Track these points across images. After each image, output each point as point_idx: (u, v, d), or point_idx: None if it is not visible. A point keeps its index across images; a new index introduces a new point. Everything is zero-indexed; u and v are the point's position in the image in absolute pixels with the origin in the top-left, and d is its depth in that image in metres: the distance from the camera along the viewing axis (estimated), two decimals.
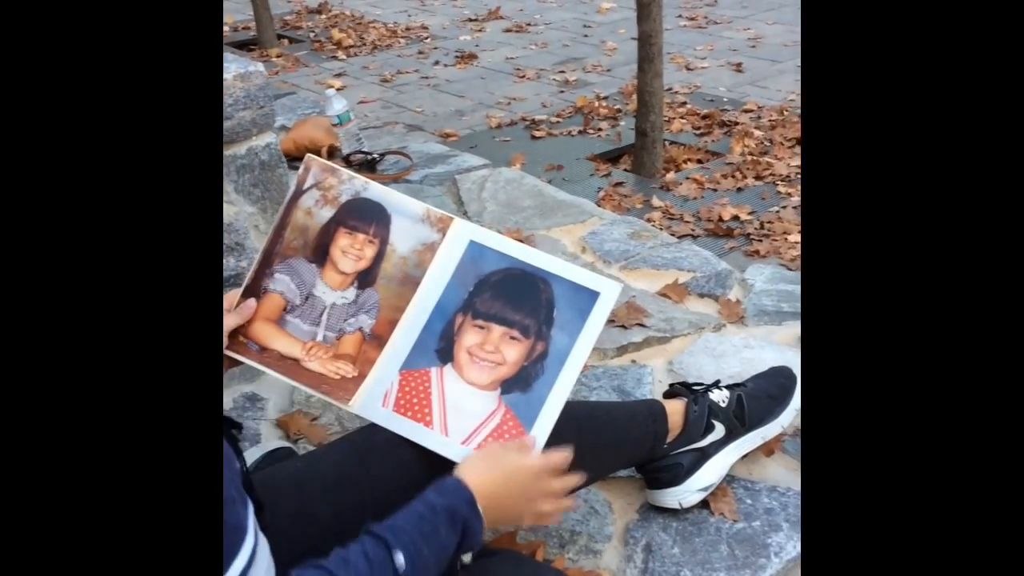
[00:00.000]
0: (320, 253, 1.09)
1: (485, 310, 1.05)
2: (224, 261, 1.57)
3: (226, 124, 1.53)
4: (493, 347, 1.04)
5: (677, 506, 1.29)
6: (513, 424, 1.00)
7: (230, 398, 1.63)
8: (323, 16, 6.30)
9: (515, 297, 1.05)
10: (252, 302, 1.07)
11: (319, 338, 1.07)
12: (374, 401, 1.04)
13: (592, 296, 1.03)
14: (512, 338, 1.04)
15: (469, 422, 1.01)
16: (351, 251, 1.09)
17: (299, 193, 1.10)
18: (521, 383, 1.02)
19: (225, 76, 1.52)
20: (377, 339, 1.07)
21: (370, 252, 1.09)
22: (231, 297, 1.09)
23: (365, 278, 1.09)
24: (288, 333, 1.07)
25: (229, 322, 1.05)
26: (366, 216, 1.10)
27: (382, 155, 2.77)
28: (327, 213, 1.10)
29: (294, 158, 2.74)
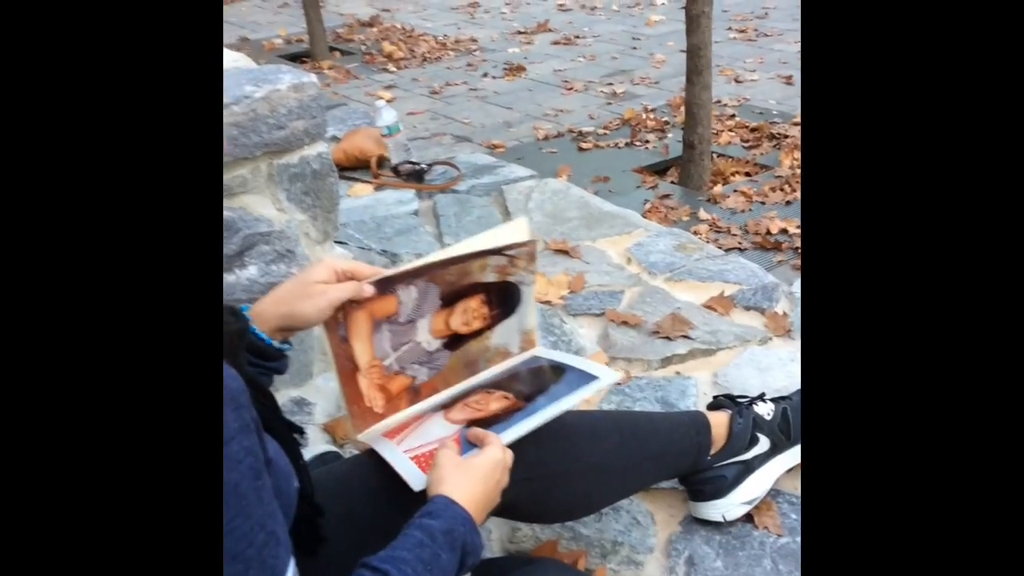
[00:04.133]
0: (451, 299, 1.10)
1: (496, 382, 1.14)
2: (275, 267, 1.61)
3: (279, 134, 1.56)
4: (485, 401, 1.11)
5: (720, 519, 1.28)
6: (455, 444, 1.03)
7: (279, 402, 1.66)
8: (375, 29, 6.39)
9: (527, 375, 1.15)
10: (372, 290, 1.00)
11: (386, 362, 1.08)
12: (376, 433, 1.08)
13: (591, 378, 1.12)
14: (504, 397, 1.11)
15: (421, 439, 1.05)
16: (469, 315, 1.12)
17: (499, 251, 1.10)
18: (484, 424, 1.06)
19: (279, 87, 1.56)
20: (415, 394, 1.11)
21: (477, 326, 1.13)
22: (361, 270, 1.01)
23: (455, 342, 1.13)
24: (372, 341, 1.06)
25: (342, 292, 0.98)
26: (506, 302, 1.14)
27: (430, 165, 2.80)
28: (490, 277, 1.11)
29: (344, 168, 2.79)
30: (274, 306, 0.97)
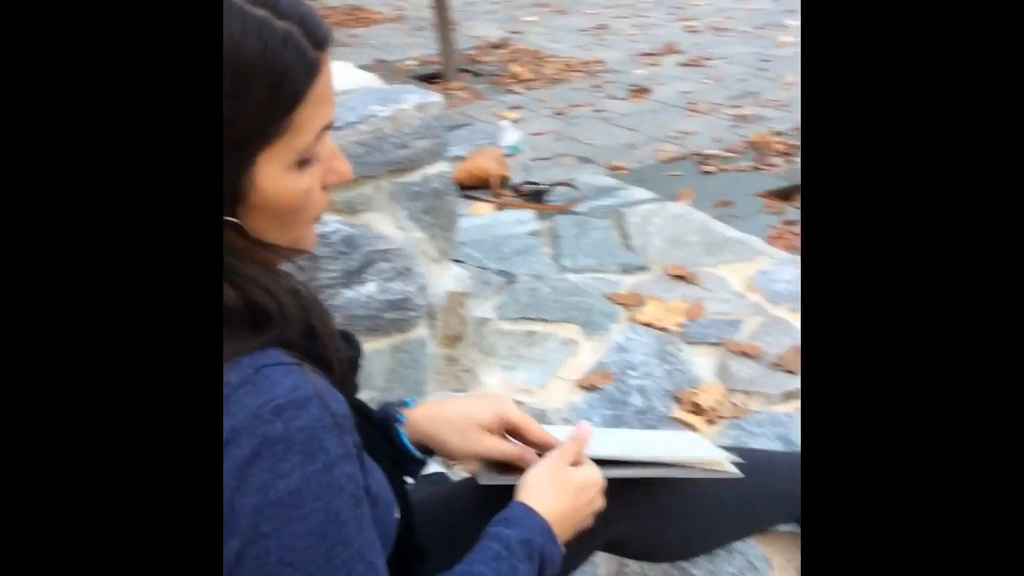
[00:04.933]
0: None
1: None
2: (393, 285, 1.63)
3: (402, 152, 1.59)
4: None
5: None
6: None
7: None
8: (504, 51, 6.48)
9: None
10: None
11: None
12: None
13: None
14: None
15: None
16: None
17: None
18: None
19: (404, 106, 1.59)
20: None
21: None
22: (529, 428, 0.96)
23: None
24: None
25: (497, 452, 0.95)
26: None
27: (551, 186, 2.80)
28: None
29: (467, 187, 2.82)
30: (428, 422, 0.96)
